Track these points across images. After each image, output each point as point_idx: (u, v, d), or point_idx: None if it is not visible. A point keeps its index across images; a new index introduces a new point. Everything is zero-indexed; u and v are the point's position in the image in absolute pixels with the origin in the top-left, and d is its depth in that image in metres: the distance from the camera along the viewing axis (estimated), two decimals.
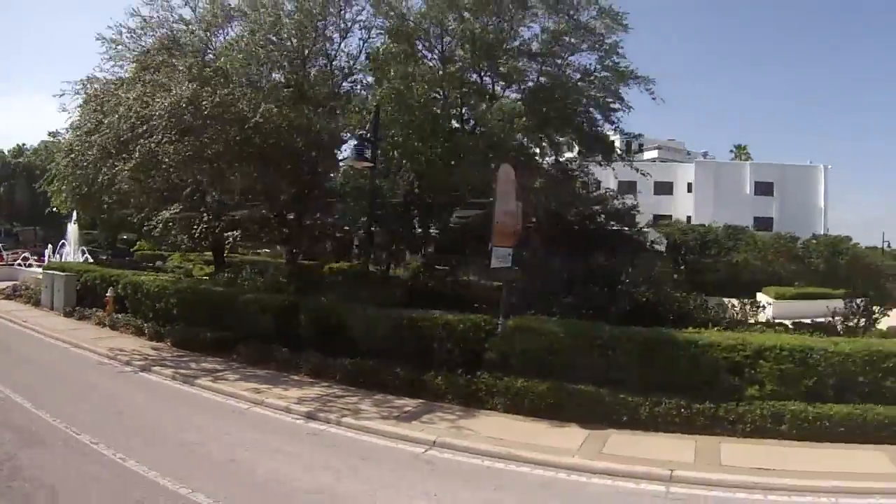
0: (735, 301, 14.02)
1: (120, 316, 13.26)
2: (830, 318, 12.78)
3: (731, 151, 58.92)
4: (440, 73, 11.13)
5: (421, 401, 9.08)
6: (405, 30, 12.50)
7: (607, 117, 14.48)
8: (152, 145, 10.94)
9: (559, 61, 13.31)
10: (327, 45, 14.19)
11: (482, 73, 13.42)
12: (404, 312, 9.97)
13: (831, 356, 8.15)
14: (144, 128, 10.85)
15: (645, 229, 15.00)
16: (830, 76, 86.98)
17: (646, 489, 6.34)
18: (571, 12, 12.95)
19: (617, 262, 10.93)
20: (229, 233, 12.78)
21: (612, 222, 14.93)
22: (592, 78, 13.50)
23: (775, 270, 27.23)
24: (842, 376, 8.15)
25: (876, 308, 13.50)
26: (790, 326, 13.61)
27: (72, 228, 22.69)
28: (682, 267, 29.72)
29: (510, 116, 10.94)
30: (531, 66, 13.34)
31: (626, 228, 14.01)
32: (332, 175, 10.96)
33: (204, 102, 10.77)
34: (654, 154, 54.87)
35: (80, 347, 11.90)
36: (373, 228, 10.91)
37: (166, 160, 11.41)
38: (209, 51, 12.36)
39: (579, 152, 14.47)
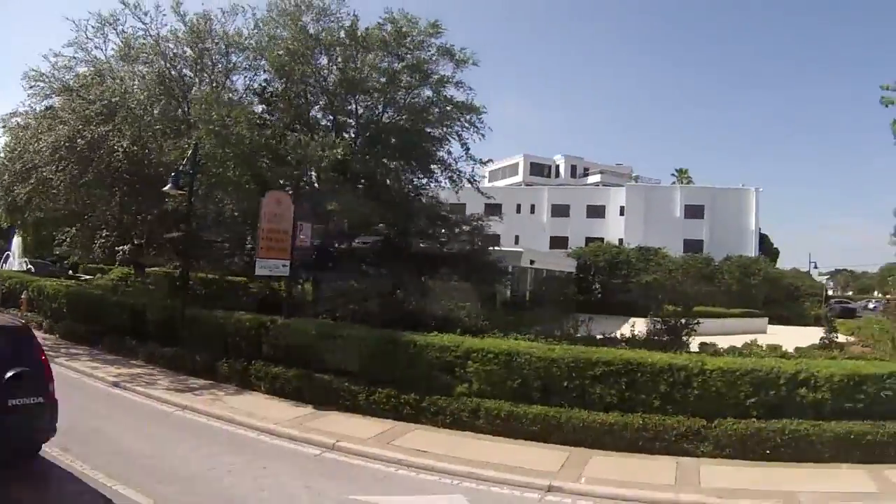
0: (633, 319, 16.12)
1: (30, 314, 16.95)
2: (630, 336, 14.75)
3: (673, 175, 62.78)
4: (267, 114, 14.09)
5: (210, 381, 12.09)
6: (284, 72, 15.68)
7: (463, 143, 17.14)
8: (45, 174, 14.51)
9: (399, 96, 16.05)
10: (216, 83, 17.51)
11: (334, 109, 16.39)
12: (212, 313, 12.98)
13: (536, 361, 9.62)
14: (37, 160, 14.43)
15: (494, 248, 17.40)
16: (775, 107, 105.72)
17: (299, 450, 8.74)
18: (407, 53, 15.72)
19: (396, 276, 13.50)
20: (119, 247, 16.15)
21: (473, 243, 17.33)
22: (434, 111, 16.19)
23: (685, 291, 28.71)
24: (547, 380, 9.56)
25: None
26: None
27: (16, 241, 26.90)
28: (595, 287, 31.61)
29: (325, 148, 13.79)
30: (377, 102, 16.17)
31: (472, 248, 16.41)
32: (166, 200, 14.05)
33: (79, 140, 14.20)
34: (597, 178, 57.24)
35: None
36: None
37: (60, 186, 14.96)
38: (98, 91, 15.60)
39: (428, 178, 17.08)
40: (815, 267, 41.22)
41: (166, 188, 12.51)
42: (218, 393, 11.39)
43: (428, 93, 16.18)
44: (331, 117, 16.60)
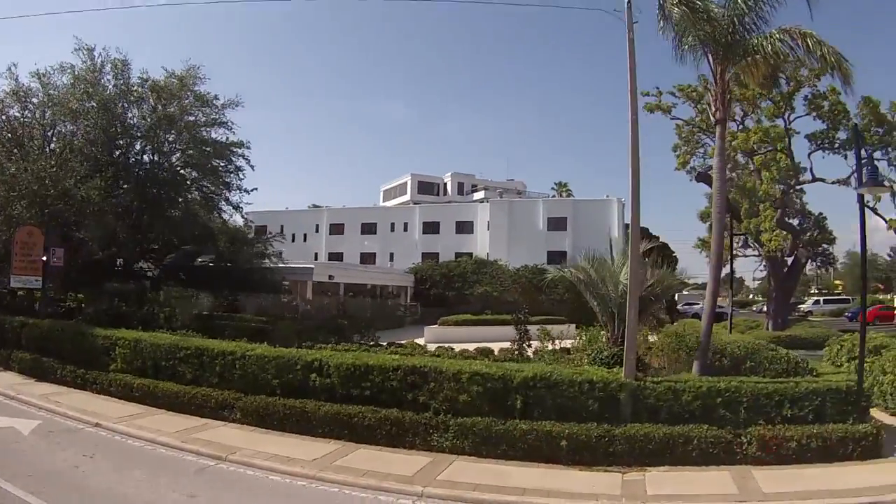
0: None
1: None
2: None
3: (553, 189, 70.52)
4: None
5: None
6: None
7: (238, 174, 23.86)
8: None
9: (164, 139, 22.81)
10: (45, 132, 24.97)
11: (122, 152, 23.46)
12: (7, 318, 20.46)
13: (149, 347, 15.44)
14: None
15: (272, 266, 24.11)
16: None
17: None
18: (162, 106, 22.40)
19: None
20: None
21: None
22: (191, 151, 22.83)
23: (514, 300, 32.93)
24: (155, 360, 15.11)
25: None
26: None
27: None
28: (431, 298, 36.74)
29: (91, 188, 20.81)
30: (145, 146, 23.05)
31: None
32: None
33: None
34: (481, 195, 64.33)
35: None
36: None
37: None
38: None
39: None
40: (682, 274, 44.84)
41: None
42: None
43: (185, 136, 22.83)
44: (120, 160, 23.71)
